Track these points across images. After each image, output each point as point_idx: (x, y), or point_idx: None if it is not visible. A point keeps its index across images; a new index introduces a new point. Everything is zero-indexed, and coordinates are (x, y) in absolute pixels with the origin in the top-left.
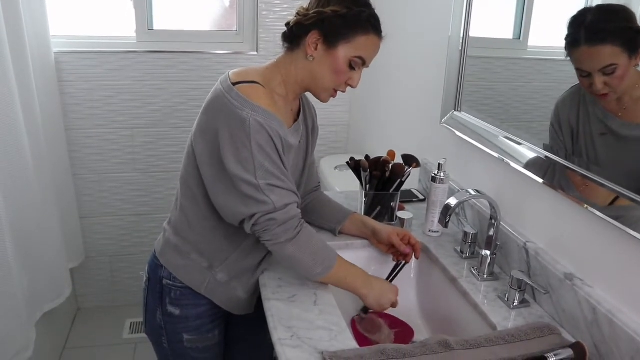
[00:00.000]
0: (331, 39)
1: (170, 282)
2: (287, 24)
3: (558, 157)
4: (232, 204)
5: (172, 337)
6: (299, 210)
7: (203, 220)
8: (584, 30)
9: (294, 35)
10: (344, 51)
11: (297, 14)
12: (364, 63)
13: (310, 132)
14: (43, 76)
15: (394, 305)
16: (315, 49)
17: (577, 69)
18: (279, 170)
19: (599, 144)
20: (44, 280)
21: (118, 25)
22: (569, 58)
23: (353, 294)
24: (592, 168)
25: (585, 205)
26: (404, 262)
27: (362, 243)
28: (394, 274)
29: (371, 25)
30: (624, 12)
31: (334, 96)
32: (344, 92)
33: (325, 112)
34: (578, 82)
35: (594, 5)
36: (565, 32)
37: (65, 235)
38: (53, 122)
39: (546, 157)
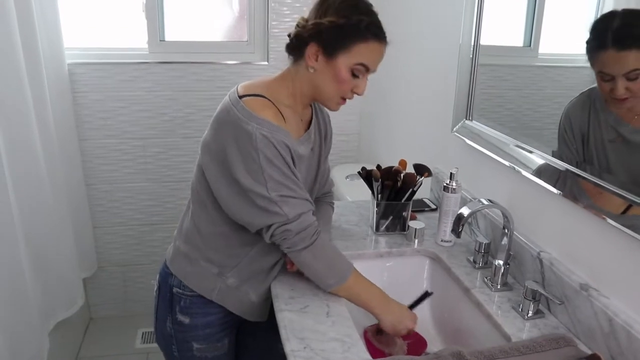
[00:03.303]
0: (330, 50)
1: (180, 291)
2: (289, 36)
3: (569, 164)
4: (247, 216)
5: (182, 345)
6: (314, 218)
7: (213, 227)
8: (612, 33)
9: (295, 47)
10: (344, 60)
11: (297, 25)
12: (368, 70)
13: (323, 139)
14: (57, 87)
15: (409, 332)
16: (316, 60)
17: (599, 73)
18: (290, 181)
19: (610, 151)
20: (57, 290)
21: (130, 36)
22: (590, 62)
23: (368, 312)
24: (603, 175)
25: (600, 214)
26: (431, 292)
27: (374, 253)
28: (418, 302)
29: (370, 32)
30: None
31: (342, 103)
32: (350, 99)
33: (335, 121)
34: (587, 89)
35: (605, 11)
36: (576, 39)
37: (78, 245)
38: (66, 133)
39: (557, 164)
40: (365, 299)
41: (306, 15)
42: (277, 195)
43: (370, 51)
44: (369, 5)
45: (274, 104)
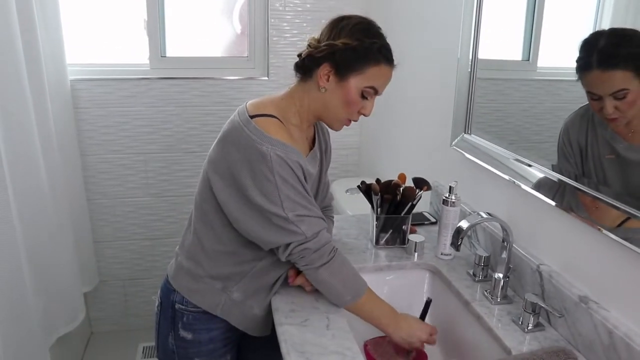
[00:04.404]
0: (343, 71)
1: (183, 307)
2: (299, 55)
3: (568, 177)
4: (263, 235)
5: None
6: (330, 236)
7: (218, 244)
8: (597, 54)
9: (305, 67)
10: (356, 82)
11: (309, 45)
12: (376, 92)
13: (324, 154)
14: (59, 103)
15: (429, 342)
16: (327, 80)
17: (588, 92)
18: (305, 200)
19: (607, 166)
20: (59, 304)
21: (132, 52)
22: (579, 81)
23: (379, 329)
24: (601, 189)
25: (598, 227)
26: (430, 299)
27: (374, 266)
28: (424, 313)
29: (382, 55)
30: (637, 37)
31: (347, 125)
32: (356, 120)
33: (336, 135)
34: (587, 103)
35: (603, 27)
36: (575, 53)
37: (79, 260)
38: (68, 148)
39: (556, 178)
40: (377, 316)
41: (307, 33)
42: (294, 215)
43: (382, 74)
44: (379, 29)
45: (284, 124)
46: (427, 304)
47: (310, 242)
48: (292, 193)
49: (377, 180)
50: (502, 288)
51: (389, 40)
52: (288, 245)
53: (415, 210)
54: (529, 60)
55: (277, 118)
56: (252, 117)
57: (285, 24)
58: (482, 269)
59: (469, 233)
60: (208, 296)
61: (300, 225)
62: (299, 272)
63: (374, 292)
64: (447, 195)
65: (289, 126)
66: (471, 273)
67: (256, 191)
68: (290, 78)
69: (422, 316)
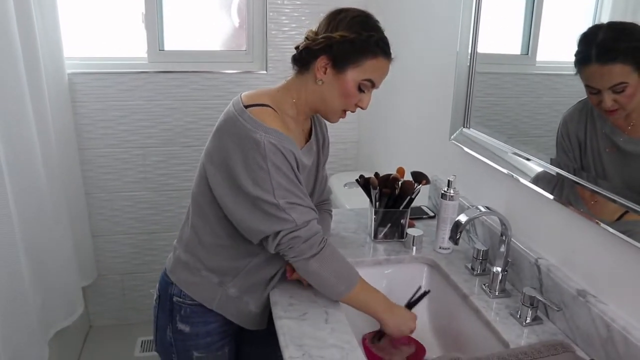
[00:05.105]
0: (340, 64)
1: (181, 300)
2: (297, 48)
3: (567, 171)
4: (254, 224)
5: (182, 354)
6: (320, 227)
7: (214, 238)
8: (595, 48)
9: (303, 59)
10: (353, 75)
11: (306, 38)
12: (373, 85)
13: (321, 148)
14: (57, 97)
15: (412, 330)
16: (324, 73)
17: (587, 86)
18: (297, 188)
19: (606, 159)
20: (57, 299)
21: (130, 46)
22: (578, 75)
23: (373, 318)
24: (599, 182)
25: (596, 221)
26: (428, 290)
27: (372, 260)
28: (415, 302)
29: (380, 49)
30: (636, 31)
31: (343, 117)
32: (353, 112)
33: (334, 129)
34: (585, 97)
35: (602, 21)
36: (574, 47)
37: (77, 254)
38: (66, 142)
39: (555, 172)
40: (373, 305)
41: (306, 26)
42: (285, 202)
43: (379, 67)
44: (377, 22)
45: (278, 113)
46: (424, 294)
47: (301, 230)
48: (284, 181)
49: (376, 174)
50: (500, 282)
51: (387, 33)
52: (277, 233)
53: (413, 204)
54: (528, 54)
55: (271, 108)
56: (246, 107)
57: (283, 17)
58: (481, 262)
59: (467, 227)
60: (205, 290)
61: (291, 212)
62: None
63: (366, 282)
64: (445, 189)
65: (284, 117)
66: (469, 267)
67: (248, 180)
68: (288, 71)
69: (413, 304)
